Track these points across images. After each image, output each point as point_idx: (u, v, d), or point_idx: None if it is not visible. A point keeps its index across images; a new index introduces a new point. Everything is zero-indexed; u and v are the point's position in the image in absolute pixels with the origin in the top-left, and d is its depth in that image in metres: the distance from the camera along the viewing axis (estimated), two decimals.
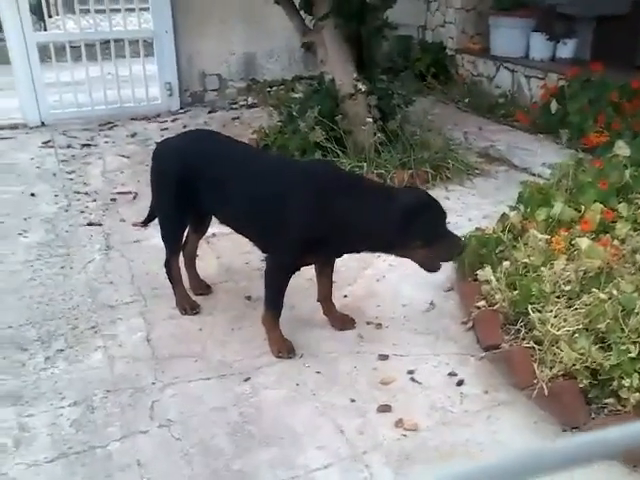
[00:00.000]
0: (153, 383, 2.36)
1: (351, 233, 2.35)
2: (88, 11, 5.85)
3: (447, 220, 2.42)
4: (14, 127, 5.59)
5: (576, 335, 2.31)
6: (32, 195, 4.16)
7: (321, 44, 4.36)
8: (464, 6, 6.66)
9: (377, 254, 3.24)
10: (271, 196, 2.41)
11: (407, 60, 6.53)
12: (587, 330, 2.34)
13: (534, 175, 4.29)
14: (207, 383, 2.37)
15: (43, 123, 5.67)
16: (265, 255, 2.62)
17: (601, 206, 2.94)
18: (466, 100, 6.02)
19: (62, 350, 2.55)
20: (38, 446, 2.06)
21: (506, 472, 0.60)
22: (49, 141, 5.27)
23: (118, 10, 5.93)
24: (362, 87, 4.23)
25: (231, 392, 2.32)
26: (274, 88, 6.36)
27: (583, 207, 2.99)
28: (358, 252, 2.56)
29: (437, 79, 6.48)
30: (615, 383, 2.14)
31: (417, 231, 2.29)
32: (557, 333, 2.33)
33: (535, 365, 2.31)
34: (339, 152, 4.17)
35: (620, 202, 3.03)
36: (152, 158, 2.75)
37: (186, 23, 6.11)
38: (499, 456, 0.61)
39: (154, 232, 3.25)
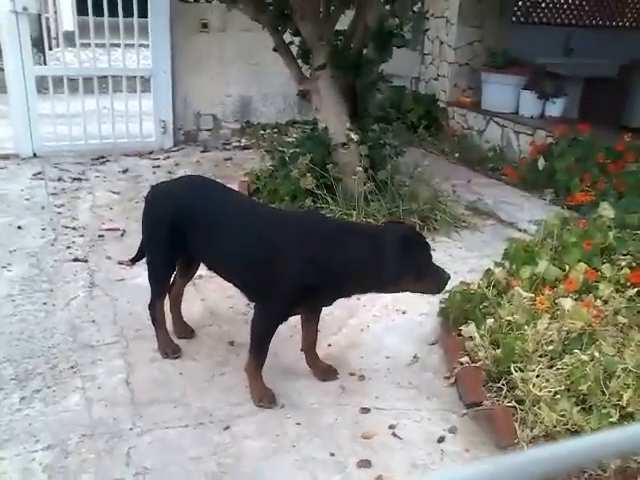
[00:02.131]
0: (131, 429, 2.32)
1: (344, 277, 2.37)
2: (89, 45, 5.94)
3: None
4: (5, 157, 5.59)
5: (558, 396, 2.32)
6: (19, 228, 4.14)
7: (316, 92, 4.46)
8: (457, 60, 6.85)
9: (362, 302, 3.27)
10: (261, 246, 2.42)
11: (399, 111, 6.67)
12: (569, 391, 2.35)
13: (520, 230, 4.35)
14: (186, 431, 2.33)
15: (35, 154, 5.69)
16: (251, 301, 2.62)
17: (585, 266, 2.98)
18: (456, 153, 6.13)
19: (39, 390, 2.50)
20: None
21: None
22: (40, 173, 5.27)
23: (118, 45, 6.02)
24: (354, 137, 4.30)
25: (210, 441, 2.28)
26: (268, 131, 6.45)
27: (567, 266, 3.03)
28: (349, 296, 2.57)
29: (428, 130, 6.61)
30: None
31: (407, 263, 2.31)
32: (539, 393, 2.34)
33: (516, 425, 2.31)
34: (329, 199, 4.22)
35: (603, 263, 3.08)
36: (145, 201, 2.77)
37: (184, 63, 6.22)
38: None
39: (140, 271, 3.23)
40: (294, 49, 4.66)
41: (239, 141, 6.55)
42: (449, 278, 2.47)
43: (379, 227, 2.55)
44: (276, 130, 6.50)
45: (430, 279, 2.42)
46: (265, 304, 2.47)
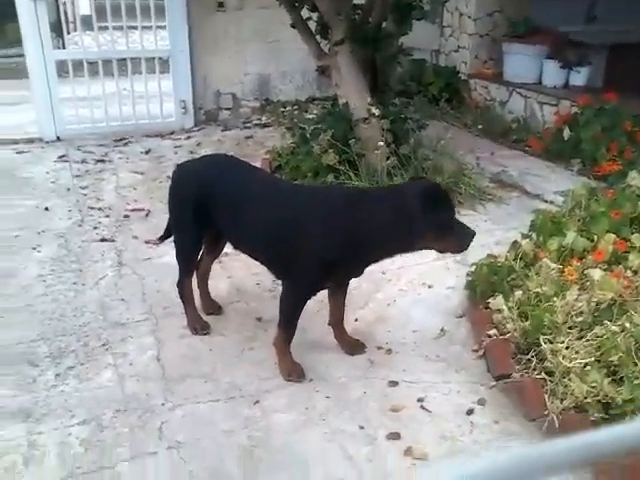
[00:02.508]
0: (163, 404, 2.36)
1: (369, 244, 2.35)
2: (106, 28, 5.94)
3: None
4: (30, 141, 5.65)
5: (588, 367, 2.30)
6: (46, 209, 4.20)
7: (336, 68, 4.41)
8: (478, 32, 6.71)
9: (388, 276, 3.26)
10: (287, 222, 2.42)
11: (420, 84, 6.57)
12: (599, 362, 2.33)
13: (546, 202, 4.29)
14: (216, 405, 2.37)
15: (59, 138, 5.74)
16: (277, 279, 2.63)
17: (614, 236, 2.93)
18: (479, 125, 6.04)
19: (72, 367, 2.56)
20: (47, 465, 2.06)
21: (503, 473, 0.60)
22: (64, 156, 5.33)
23: (135, 27, 6.01)
24: (375, 111, 4.26)
25: (240, 415, 2.32)
26: (287, 108, 6.41)
27: (596, 237, 2.98)
28: (377, 262, 2.53)
29: (450, 103, 6.51)
30: (627, 418, 2.12)
31: (429, 218, 2.26)
32: (569, 365, 2.32)
33: (546, 396, 2.30)
34: (352, 175, 4.19)
35: (633, 233, 3.02)
36: (171, 180, 2.79)
37: (202, 43, 6.19)
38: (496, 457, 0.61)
39: (166, 250, 3.27)
40: (312, 25, 4.60)
41: (259, 119, 6.52)
42: (474, 234, 2.40)
43: (401, 185, 2.49)
44: (296, 107, 6.46)
45: (453, 236, 2.37)
46: (293, 280, 2.48)
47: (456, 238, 2.39)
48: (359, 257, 2.40)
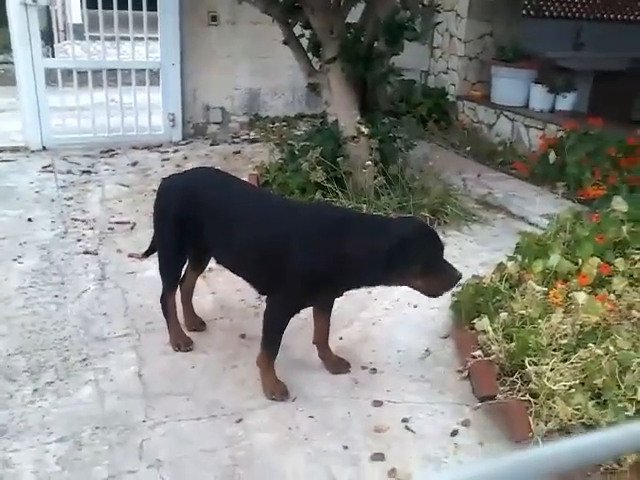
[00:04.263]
0: (143, 421, 2.32)
1: (353, 269, 2.33)
2: (98, 38, 5.93)
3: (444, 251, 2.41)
4: (15, 150, 5.60)
5: (572, 390, 2.30)
6: (29, 220, 4.14)
7: (326, 86, 4.43)
8: (467, 54, 6.81)
9: (373, 295, 3.25)
10: (273, 239, 2.41)
11: (409, 104, 6.63)
12: (583, 385, 2.33)
13: (531, 224, 4.32)
14: (198, 423, 2.33)
15: (44, 147, 5.69)
16: (261, 294, 2.61)
17: (598, 260, 2.96)
18: (466, 147, 6.10)
19: (51, 382, 2.51)
20: None
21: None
22: (49, 166, 5.28)
23: (127, 38, 6.01)
24: (364, 130, 4.28)
25: (222, 434, 2.28)
26: (276, 124, 6.43)
27: (580, 260, 3.00)
28: (358, 288, 2.54)
29: (438, 124, 6.58)
30: None
31: (414, 260, 2.28)
32: (553, 387, 2.32)
33: (531, 419, 2.30)
34: (339, 193, 4.20)
35: (617, 257, 3.05)
36: (156, 194, 2.76)
37: (193, 56, 6.20)
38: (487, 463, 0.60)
39: (150, 264, 3.23)
40: (304, 42, 4.64)
41: (248, 134, 6.53)
42: (460, 277, 2.38)
43: (390, 220, 2.49)
44: (285, 123, 6.48)
45: (436, 278, 2.35)
46: (277, 297, 2.46)
47: (439, 280, 2.37)
48: (343, 278, 2.38)
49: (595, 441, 0.65)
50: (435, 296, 2.44)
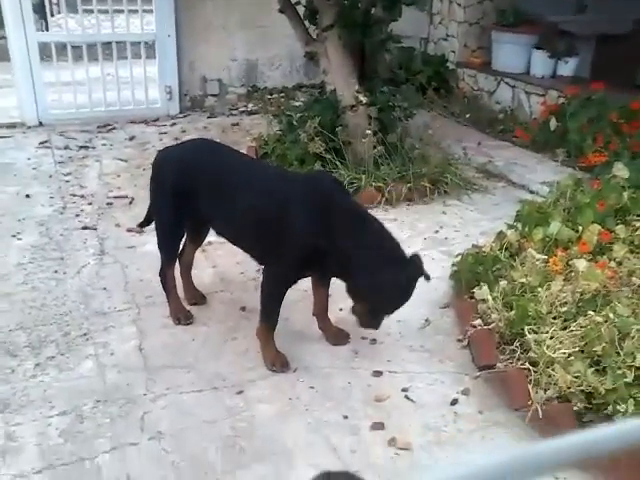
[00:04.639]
0: (144, 394, 2.33)
1: (343, 258, 2.34)
2: (91, 11, 5.83)
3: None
4: (11, 126, 5.55)
5: (572, 358, 2.30)
6: (27, 196, 4.13)
7: (324, 54, 4.36)
8: (467, 20, 6.68)
9: None
10: (271, 208, 2.39)
11: (408, 72, 6.53)
12: (583, 353, 2.33)
13: (532, 192, 4.29)
14: (199, 395, 2.35)
15: (41, 123, 5.64)
16: (261, 267, 2.60)
17: (599, 227, 2.93)
18: (466, 115, 6.02)
19: (52, 357, 2.52)
20: (25, 456, 2.02)
21: (496, 474, 0.58)
22: (46, 141, 5.24)
23: (121, 11, 5.91)
24: (363, 99, 4.22)
25: (223, 405, 2.30)
26: (274, 95, 6.35)
27: (581, 228, 2.98)
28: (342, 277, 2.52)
29: (438, 92, 6.49)
30: (610, 408, 2.13)
31: (381, 298, 2.36)
32: (553, 355, 2.32)
33: (530, 387, 2.31)
34: (338, 163, 4.16)
35: (618, 224, 3.03)
36: (152, 166, 2.74)
37: (189, 28, 6.10)
38: (487, 458, 0.59)
39: (149, 238, 3.22)
40: (300, 10, 4.55)
41: (246, 106, 6.46)
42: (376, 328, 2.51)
43: (398, 248, 2.40)
44: (283, 94, 6.40)
45: (372, 320, 2.45)
46: (272, 267, 2.46)
47: (369, 320, 2.47)
48: (332, 262, 2.38)
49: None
50: (360, 325, 2.51)
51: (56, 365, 2.48)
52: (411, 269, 2.37)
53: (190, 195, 2.54)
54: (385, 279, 2.27)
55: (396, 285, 2.33)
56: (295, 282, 2.49)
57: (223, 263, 3.31)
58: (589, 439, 0.62)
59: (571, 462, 0.63)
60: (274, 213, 2.38)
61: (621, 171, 3.35)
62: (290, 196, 2.39)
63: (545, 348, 2.35)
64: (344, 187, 2.68)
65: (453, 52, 6.85)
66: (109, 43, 5.92)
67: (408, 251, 2.44)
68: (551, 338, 2.39)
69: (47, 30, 7.76)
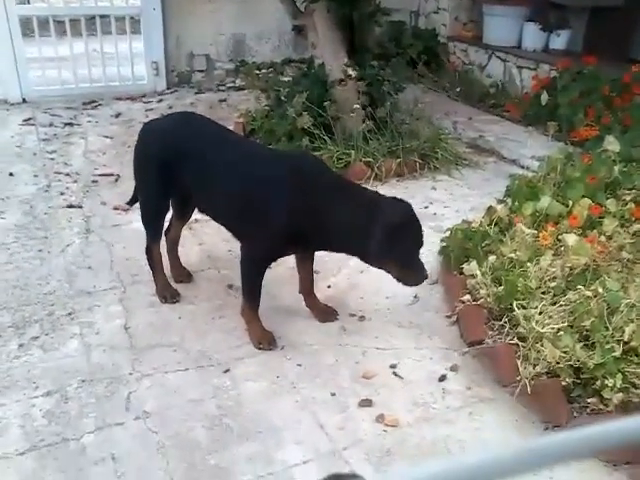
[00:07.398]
0: (130, 373, 2.31)
1: (328, 233, 2.30)
2: None
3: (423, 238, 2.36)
4: None
5: (560, 333, 2.29)
6: (11, 175, 4.05)
7: (312, 28, 4.28)
8: None
9: None
10: (251, 184, 2.35)
11: (399, 46, 6.44)
12: (571, 327, 2.32)
13: (523, 167, 4.26)
14: (185, 374, 2.32)
15: (24, 100, 5.53)
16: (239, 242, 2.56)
17: (589, 201, 2.91)
18: (457, 89, 5.96)
19: (37, 337, 2.49)
20: (9, 437, 2.00)
21: (486, 471, 0.56)
22: (30, 119, 5.14)
23: None
24: (352, 73, 4.15)
25: (210, 384, 2.28)
26: (263, 70, 6.24)
27: (571, 202, 2.96)
28: (331, 251, 2.51)
29: (428, 66, 6.41)
30: (598, 382, 2.12)
31: (393, 249, 2.25)
32: (541, 330, 2.31)
33: (518, 362, 2.29)
34: (327, 138, 4.11)
35: (608, 198, 3.00)
36: (137, 139, 2.67)
37: (175, 1, 5.97)
38: (478, 454, 0.56)
39: (135, 216, 3.17)
40: None
41: (233, 82, 6.36)
42: (426, 278, 2.38)
43: (380, 198, 2.34)
44: (271, 69, 6.29)
45: (411, 271, 2.33)
46: (250, 244, 2.42)
47: (414, 272, 2.34)
48: (316, 237, 2.33)
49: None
50: (406, 284, 2.40)
51: (40, 345, 2.44)
52: (398, 201, 2.33)
53: (174, 168, 2.49)
54: (385, 223, 2.20)
55: (396, 221, 2.25)
56: (273, 260, 2.46)
57: (210, 241, 3.27)
58: (593, 434, 0.59)
59: (574, 457, 0.60)
60: (255, 192, 2.33)
61: (612, 145, 3.32)
62: (273, 175, 2.35)
63: (534, 323, 2.33)
64: (327, 166, 2.62)
65: (444, 25, 6.76)
66: (93, 18, 5.79)
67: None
68: (540, 313, 2.38)
69: (28, 3, 7.56)
